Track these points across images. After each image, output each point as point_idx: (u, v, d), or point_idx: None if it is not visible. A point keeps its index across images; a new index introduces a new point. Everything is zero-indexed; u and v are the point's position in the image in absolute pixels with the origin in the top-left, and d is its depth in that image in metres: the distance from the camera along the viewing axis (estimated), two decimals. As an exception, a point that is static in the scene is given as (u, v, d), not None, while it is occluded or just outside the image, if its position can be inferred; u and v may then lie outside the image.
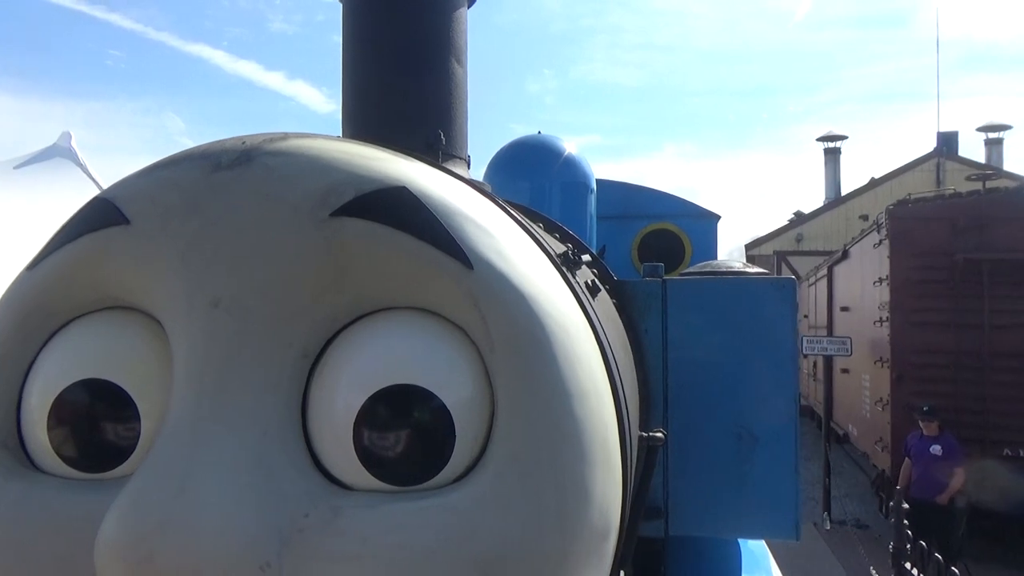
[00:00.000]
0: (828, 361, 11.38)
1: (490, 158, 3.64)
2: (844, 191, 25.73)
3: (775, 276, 2.07)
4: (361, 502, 1.04)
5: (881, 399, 10.63)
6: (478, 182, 1.43)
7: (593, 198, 3.67)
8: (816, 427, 16.61)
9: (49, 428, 1.15)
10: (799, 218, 24.21)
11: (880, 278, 10.78)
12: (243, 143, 1.17)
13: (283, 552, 0.99)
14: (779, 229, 24.51)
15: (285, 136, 1.19)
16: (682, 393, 1.98)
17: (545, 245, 1.31)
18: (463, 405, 1.07)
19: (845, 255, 13.87)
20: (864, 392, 12.02)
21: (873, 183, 23.33)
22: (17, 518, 1.10)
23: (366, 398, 1.05)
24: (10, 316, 1.22)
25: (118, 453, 1.13)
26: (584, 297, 1.31)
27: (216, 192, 1.11)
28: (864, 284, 11.94)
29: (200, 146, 1.21)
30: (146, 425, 1.13)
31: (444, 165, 1.43)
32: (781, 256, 23.25)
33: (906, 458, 8.49)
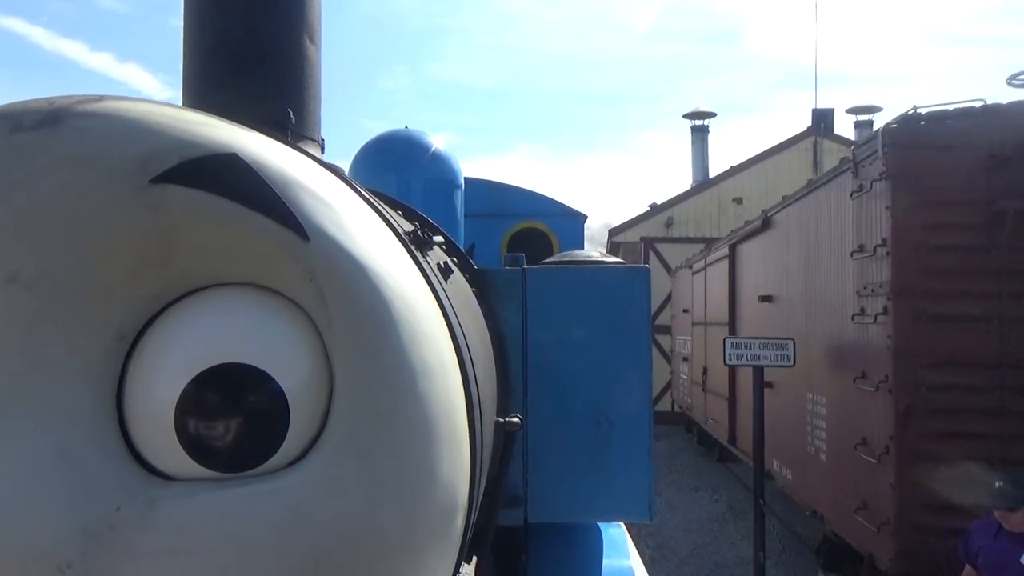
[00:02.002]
0: (759, 375, 7.31)
1: (349, 153, 3.50)
2: (712, 174, 22.34)
3: (631, 264, 2.14)
4: (181, 492, 0.96)
5: (865, 442, 6.13)
6: (326, 161, 1.34)
7: (461, 195, 3.65)
8: (695, 442, 15.08)
9: None
10: (662, 205, 20.88)
11: (862, 246, 6.30)
12: (50, 104, 1.04)
13: (91, 550, 0.89)
14: (645, 213, 20.94)
15: (101, 98, 1.07)
16: (541, 381, 2.00)
17: (392, 222, 1.26)
18: (299, 385, 1.01)
19: (766, 224, 9.60)
20: (812, 422, 7.68)
21: (747, 163, 20.44)
22: None
23: (190, 379, 0.97)
24: None
25: None
26: (434, 276, 1.27)
27: (17, 155, 0.98)
28: (818, 259, 7.69)
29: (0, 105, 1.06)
30: None
31: (294, 143, 1.32)
32: (648, 243, 20.05)
33: (967, 566, 4.27)
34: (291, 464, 1.00)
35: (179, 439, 0.97)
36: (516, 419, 1.55)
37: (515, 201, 4.53)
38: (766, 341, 7.70)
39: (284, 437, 0.99)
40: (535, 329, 2.00)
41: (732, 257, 11.58)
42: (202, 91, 1.61)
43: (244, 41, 1.60)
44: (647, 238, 20.15)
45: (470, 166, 3.75)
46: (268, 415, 0.99)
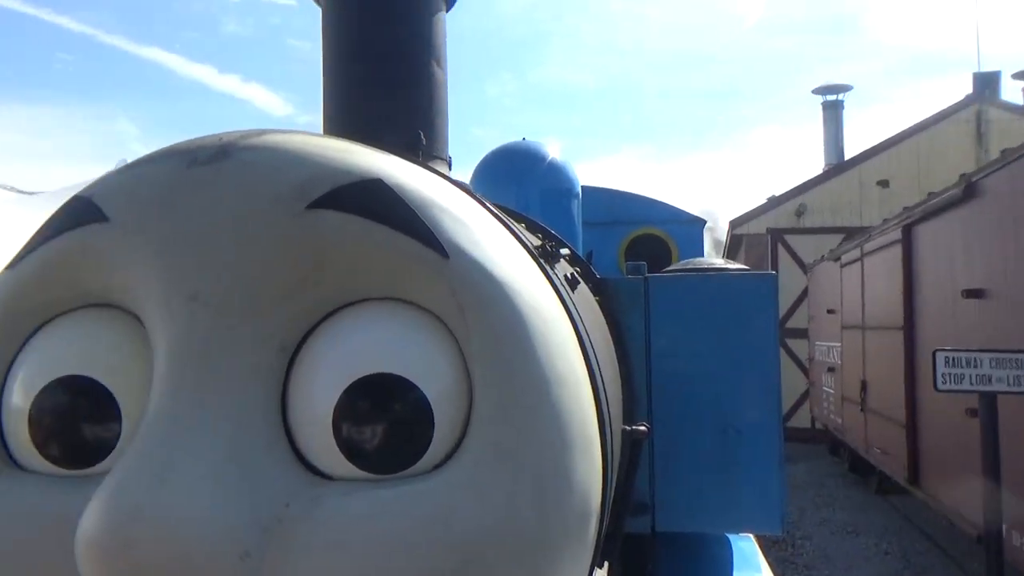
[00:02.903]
0: (989, 406, 4.93)
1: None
2: (848, 156, 18.95)
3: (756, 271, 2.09)
4: (341, 491, 1.05)
5: None
6: (457, 180, 1.44)
7: (578, 203, 3.69)
8: (846, 469, 12.24)
9: (30, 426, 1.15)
10: (791, 191, 17.65)
11: None
12: (220, 139, 1.18)
13: (264, 542, 0.99)
14: (772, 201, 17.74)
15: (262, 132, 1.20)
16: (666, 389, 2.00)
17: (522, 237, 1.32)
18: (441, 393, 1.08)
19: (970, 193, 6.99)
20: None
21: (893, 139, 16.89)
22: (1, 516, 1.10)
23: (344, 388, 1.06)
24: None
25: (100, 449, 1.14)
26: (563, 288, 1.32)
27: (193, 187, 1.12)
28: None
29: (178, 143, 1.22)
30: (127, 421, 1.13)
31: (425, 163, 1.45)
32: (776, 235, 16.86)
33: None
34: (436, 467, 1.07)
35: (336, 442, 1.06)
36: (643, 427, 1.57)
37: (633, 208, 4.51)
38: (1000, 356, 5.02)
39: (430, 442, 1.07)
40: (658, 337, 2.01)
41: (907, 242, 8.63)
42: (342, 117, 1.76)
43: (378, 70, 1.73)
44: (774, 229, 17.00)
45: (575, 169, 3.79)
46: (415, 421, 1.07)
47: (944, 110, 17.10)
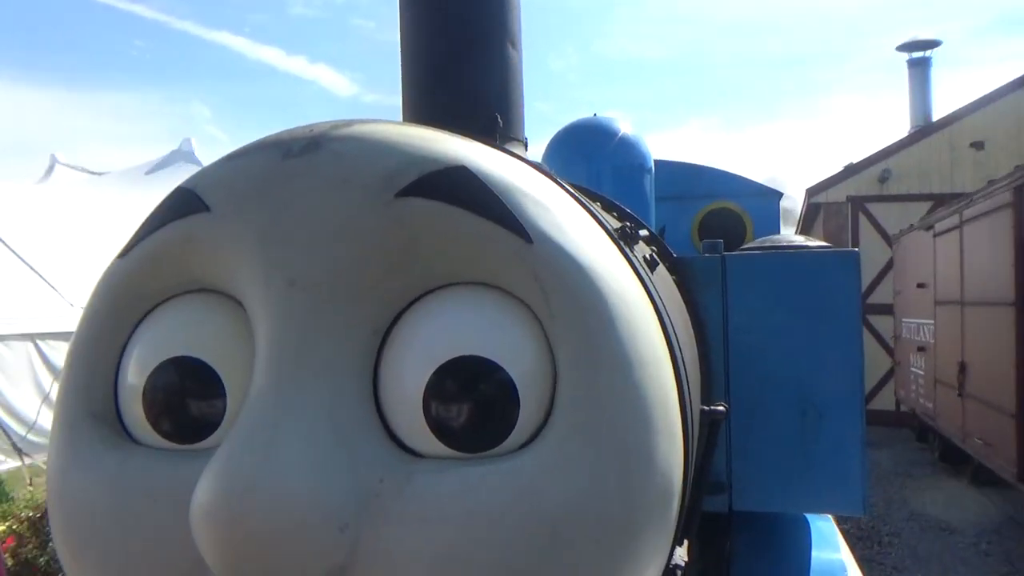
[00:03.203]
0: None
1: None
2: (936, 117, 17.11)
3: (838, 248, 2.03)
4: (432, 468, 1.10)
5: None
6: (535, 162, 1.46)
7: (651, 179, 3.65)
8: (935, 457, 11.45)
9: (144, 403, 1.24)
10: (874, 156, 15.92)
11: None
12: (311, 131, 1.23)
13: (360, 515, 1.05)
14: (852, 167, 16.09)
15: (350, 123, 1.25)
16: (744, 368, 1.98)
17: (601, 220, 1.33)
18: (526, 375, 1.11)
19: None
20: None
21: (988, 97, 15.26)
22: (117, 486, 1.20)
23: (434, 370, 1.10)
24: (105, 300, 1.32)
25: (207, 426, 1.22)
26: (642, 270, 1.33)
27: (287, 178, 1.18)
28: None
29: (271, 135, 1.29)
30: (231, 399, 1.21)
31: (503, 147, 1.48)
32: (857, 203, 15.58)
33: None
34: (523, 446, 1.11)
35: (426, 421, 1.11)
36: (721, 407, 1.58)
37: (706, 181, 4.43)
38: None
39: (515, 422, 1.10)
40: (736, 316, 1.99)
41: (1020, 205, 7.77)
42: (420, 102, 1.79)
43: (455, 54, 1.76)
44: (855, 197, 15.72)
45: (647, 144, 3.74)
46: (501, 401, 1.10)
47: (1046, 61, 15.45)
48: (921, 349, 11.77)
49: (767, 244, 2.17)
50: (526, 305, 1.16)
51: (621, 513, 1.09)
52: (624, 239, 1.37)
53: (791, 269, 1.98)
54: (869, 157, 16.14)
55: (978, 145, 15.16)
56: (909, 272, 12.45)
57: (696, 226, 4.36)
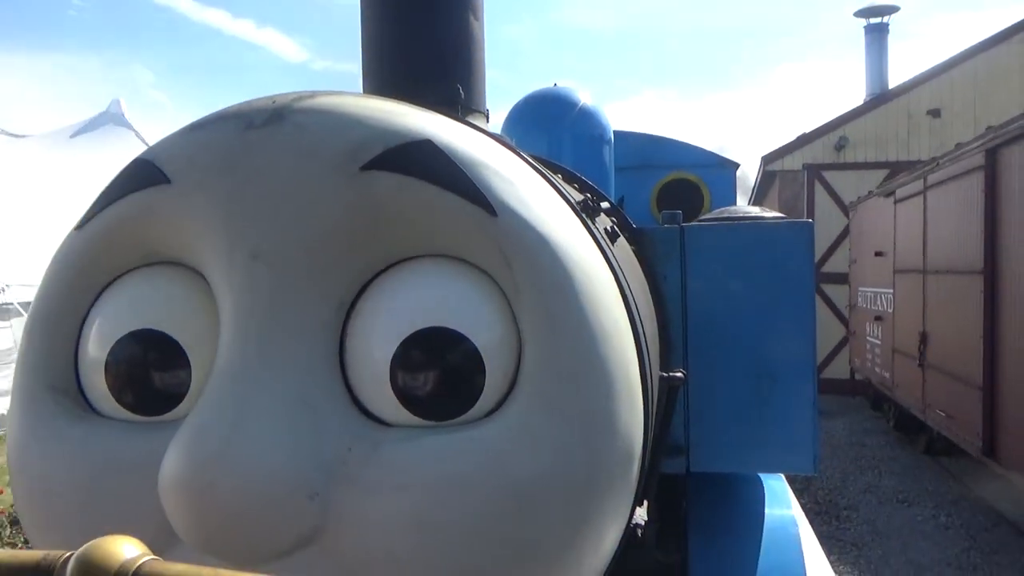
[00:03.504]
0: None
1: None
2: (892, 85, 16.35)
3: (793, 219, 2.10)
4: (400, 436, 1.12)
5: None
6: (498, 135, 1.48)
7: (610, 149, 3.67)
8: (890, 426, 11.05)
9: (107, 375, 1.24)
10: (830, 124, 15.53)
11: None
12: (273, 102, 1.22)
13: (329, 483, 1.07)
14: (808, 135, 15.63)
15: (313, 94, 1.24)
16: (701, 336, 2.04)
17: (564, 193, 1.35)
18: (492, 345, 1.14)
19: None
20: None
21: (945, 65, 15.00)
22: (83, 459, 1.20)
23: (401, 341, 1.12)
24: (63, 273, 1.30)
25: (171, 398, 1.22)
26: (604, 242, 1.36)
27: (250, 150, 1.17)
28: None
29: (232, 107, 1.27)
30: (196, 371, 1.21)
31: (465, 119, 1.49)
32: (813, 171, 15.16)
33: None
34: (488, 415, 1.14)
35: (393, 391, 1.13)
36: (679, 374, 1.63)
37: (664, 152, 4.46)
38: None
39: (481, 392, 1.13)
40: (694, 285, 2.04)
41: (992, 168, 7.17)
42: (380, 72, 1.77)
43: (416, 23, 1.74)
44: (811, 165, 15.30)
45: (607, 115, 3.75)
46: (467, 371, 1.13)
47: (1004, 30, 14.76)
48: (878, 319, 11.37)
49: (724, 215, 2.22)
50: (490, 277, 1.18)
51: (584, 477, 1.13)
52: (586, 211, 1.39)
53: (747, 240, 2.03)
54: (825, 124, 15.73)
55: (935, 113, 14.94)
56: (866, 240, 12.03)
57: (655, 196, 4.40)
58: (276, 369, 1.09)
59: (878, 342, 11.48)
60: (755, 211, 2.23)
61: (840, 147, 15.38)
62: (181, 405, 1.22)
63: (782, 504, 2.29)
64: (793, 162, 15.68)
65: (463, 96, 1.77)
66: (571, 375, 1.12)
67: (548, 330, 1.13)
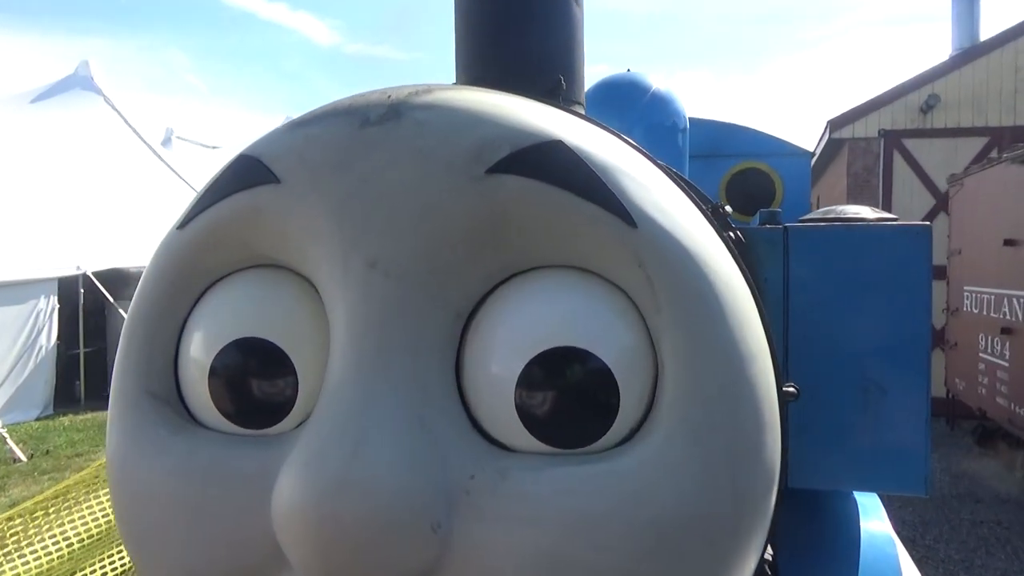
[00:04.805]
0: None
1: None
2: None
3: (908, 223, 1.95)
4: (527, 464, 1.03)
5: None
6: (628, 138, 1.37)
7: (685, 137, 3.53)
8: (1003, 468, 8.66)
9: (211, 385, 1.18)
10: (914, 80, 12.53)
11: None
12: (388, 97, 1.14)
13: (453, 513, 1.00)
14: (888, 93, 12.60)
15: (429, 89, 1.15)
16: (804, 345, 1.92)
17: (696, 199, 1.26)
18: (627, 367, 1.05)
19: None
20: None
21: None
22: (188, 472, 1.14)
23: (527, 360, 1.04)
24: (164, 275, 1.24)
25: (275, 410, 1.16)
26: (736, 252, 1.26)
27: (367, 149, 1.09)
28: None
29: (343, 100, 1.19)
30: (303, 383, 1.14)
31: (587, 116, 1.38)
32: (892, 138, 12.26)
33: None
34: (621, 443, 1.05)
35: (518, 414, 1.04)
36: (792, 389, 1.53)
37: (735, 140, 4.32)
38: None
39: (615, 417, 1.04)
40: (798, 291, 1.91)
41: None
42: (476, 63, 1.66)
43: (512, 9, 1.63)
44: (890, 131, 12.41)
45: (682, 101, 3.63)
46: (598, 395, 1.04)
47: None
48: (1007, 331, 8.49)
49: (831, 216, 2.09)
50: (623, 292, 1.08)
51: (730, 515, 1.04)
52: (719, 219, 1.30)
53: (859, 243, 1.90)
54: (908, 82, 12.70)
55: None
56: (982, 225, 9.29)
57: (724, 186, 4.26)
58: (393, 386, 1.02)
59: (1004, 363, 8.59)
60: (865, 211, 2.09)
61: (928, 108, 12.39)
62: (287, 419, 1.15)
63: (878, 521, 2.18)
64: (866, 128, 12.75)
65: (564, 87, 1.65)
66: (718, 402, 1.03)
67: (693, 352, 1.03)
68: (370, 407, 1.00)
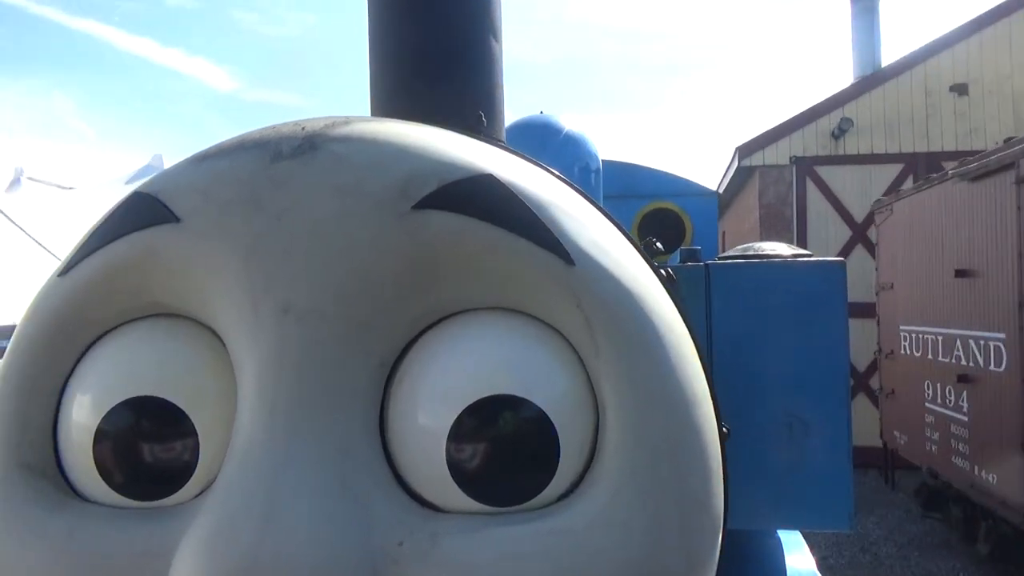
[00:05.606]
0: None
1: None
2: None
3: (823, 259, 2.01)
4: (460, 527, 0.94)
5: None
6: (557, 172, 1.33)
7: (598, 178, 3.57)
8: (952, 529, 7.57)
9: (96, 453, 1.03)
10: (824, 104, 12.15)
11: None
12: (302, 128, 1.05)
13: None
14: (799, 117, 12.17)
15: (347, 120, 1.07)
16: (727, 382, 1.92)
17: (630, 236, 1.22)
18: (566, 415, 0.98)
19: None
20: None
21: (969, 27, 11.78)
22: (68, 556, 0.99)
23: (459, 412, 0.95)
24: (42, 328, 1.09)
25: (172, 478, 1.02)
26: (672, 291, 1.23)
27: (279, 185, 0.99)
28: None
29: (252, 133, 1.09)
30: (206, 447, 1.02)
31: (517, 151, 1.33)
32: (804, 166, 11.83)
33: None
34: (562, 498, 0.97)
35: (449, 471, 0.96)
36: (725, 429, 1.51)
37: (643, 181, 4.42)
38: None
39: (555, 469, 0.97)
40: (720, 328, 1.93)
41: None
42: (392, 100, 1.60)
43: (432, 45, 1.58)
44: (802, 158, 11.94)
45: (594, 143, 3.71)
46: (536, 448, 0.97)
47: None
48: (964, 379, 7.04)
49: (749, 252, 2.13)
50: (559, 334, 1.02)
51: (681, 566, 0.98)
52: (652, 255, 1.26)
53: (776, 279, 1.93)
54: (818, 105, 12.24)
55: (960, 89, 11.71)
56: (917, 254, 8.06)
57: (636, 225, 4.34)
58: (310, 446, 0.92)
59: (961, 417, 7.19)
60: (782, 248, 2.14)
61: (840, 133, 11.85)
62: (186, 487, 1.02)
63: (799, 555, 2.18)
64: (777, 155, 12.23)
65: (485, 124, 1.61)
66: (665, 450, 0.97)
67: (635, 397, 0.97)
68: (283, 470, 0.89)
